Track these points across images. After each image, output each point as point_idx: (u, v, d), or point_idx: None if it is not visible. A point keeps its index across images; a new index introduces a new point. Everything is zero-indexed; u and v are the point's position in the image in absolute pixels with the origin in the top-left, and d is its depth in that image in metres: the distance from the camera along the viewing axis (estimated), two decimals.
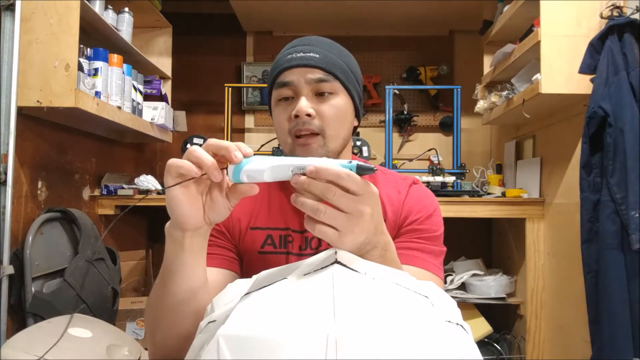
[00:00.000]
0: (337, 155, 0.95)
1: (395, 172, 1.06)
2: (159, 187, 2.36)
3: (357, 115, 1.00)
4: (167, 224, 0.71)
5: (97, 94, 1.88)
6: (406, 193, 0.99)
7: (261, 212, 0.99)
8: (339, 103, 0.93)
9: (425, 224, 0.96)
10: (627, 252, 1.49)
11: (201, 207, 0.68)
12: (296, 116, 0.90)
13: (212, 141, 0.66)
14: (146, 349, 1.78)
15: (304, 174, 0.62)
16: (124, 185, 2.30)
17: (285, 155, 0.94)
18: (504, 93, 2.17)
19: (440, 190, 2.34)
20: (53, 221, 1.84)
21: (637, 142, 1.49)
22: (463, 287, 2.37)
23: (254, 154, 0.67)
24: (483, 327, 2.31)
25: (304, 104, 0.89)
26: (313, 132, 0.90)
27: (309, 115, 0.89)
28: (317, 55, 0.91)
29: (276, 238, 0.97)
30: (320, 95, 0.92)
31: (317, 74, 0.90)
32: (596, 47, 1.63)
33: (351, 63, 0.97)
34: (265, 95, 3.06)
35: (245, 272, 0.97)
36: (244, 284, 0.63)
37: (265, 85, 3.01)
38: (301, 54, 0.91)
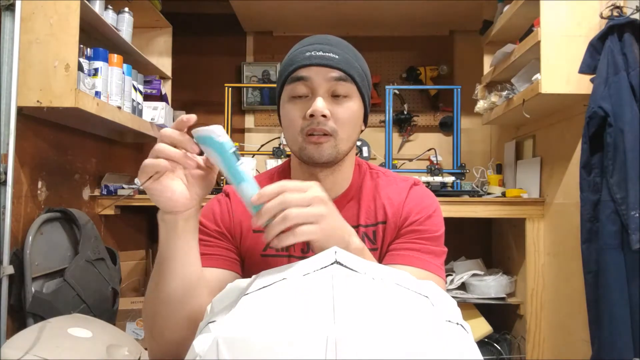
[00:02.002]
0: (344, 156, 0.95)
1: (396, 174, 1.05)
2: None
3: (365, 120, 1.00)
4: (159, 212, 0.74)
5: (97, 94, 1.88)
6: (406, 194, 0.99)
7: None
8: (353, 107, 0.92)
9: (425, 224, 0.96)
10: (627, 252, 1.49)
11: (185, 189, 0.73)
12: (311, 115, 0.89)
13: (166, 133, 0.71)
14: (146, 349, 1.78)
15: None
16: (124, 185, 2.30)
17: (291, 154, 0.96)
18: (504, 93, 2.16)
19: (440, 190, 2.34)
20: (53, 221, 1.84)
21: (637, 142, 1.49)
22: (463, 287, 2.37)
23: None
24: (483, 327, 2.31)
25: (321, 105, 0.88)
26: (326, 133, 0.90)
27: (324, 116, 0.89)
28: (337, 56, 0.90)
29: None
30: (335, 96, 0.91)
31: (336, 73, 0.90)
32: (596, 47, 1.63)
33: (365, 67, 0.97)
34: (266, 95, 3.06)
35: (246, 274, 0.97)
36: (244, 284, 0.63)
37: (266, 85, 3.01)
38: (320, 53, 0.90)
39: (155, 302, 0.78)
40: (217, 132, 0.70)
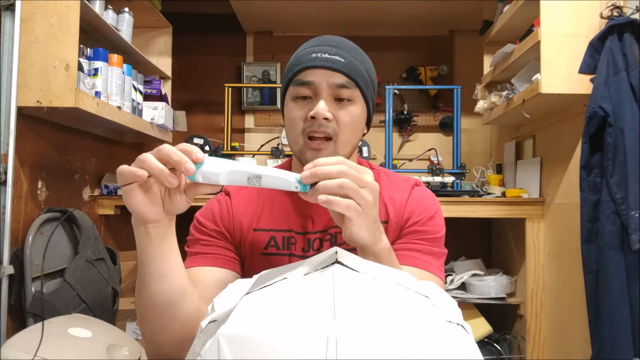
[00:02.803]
0: None
1: (397, 174, 1.05)
2: None
3: (368, 123, 0.99)
4: (132, 217, 0.73)
5: (97, 94, 1.88)
6: (408, 195, 0.99)
7: (264, 214, 0.99)
8: (356, 111, 0.92)
9: (426, 225, 0.96)
10: (627, 252, 1.49)
11: (159, 203, 0.71)
12: (312, 117, 0.88)
13: (164, 149, 0.67)
14: None
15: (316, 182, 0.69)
16: None
17: (295, 153, 0.95)
18: (504, 93, 2.17)
19: (440, 190, 2.34)
20: (53, 221, 1.84)
21: (637, 142, 1.49)
22: (463, 287, 2.37)
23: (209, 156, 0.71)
24: (483, 327, 2.31)
25: (323, 107, 0.88)
26: (327, 136, 0.90)
27: (326, 118, 0.88)
28: (342, 60, 0.90)
29: (279, 240, 0.97)
30: (338, 100, 0.91)
31: (340, 79, 0.89)
32: (596, 47, 1.63)
33: (371, 71, 0.96)
34: (266, 95, 3.06)
35: (247, 273, 0.97)
36: (245, 283, 0.63)
37: (266, 85, 3.01)
38: (326, 55, 0.89)
39: (141, 306, 0.78)
40: (216, 172, 0.68)
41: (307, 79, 0.90)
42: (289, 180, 0.70)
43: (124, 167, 0.67)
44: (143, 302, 0.77)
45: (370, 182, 0.71)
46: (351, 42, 0.96)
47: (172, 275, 0.76)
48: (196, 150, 0.68)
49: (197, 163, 0.68)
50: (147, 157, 0.67)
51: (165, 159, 0.67)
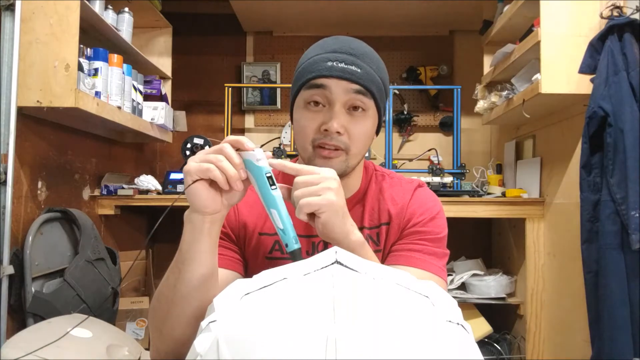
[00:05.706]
0: (352, 170, 0.94)
1: (401, 176, 1.05)
2: (159, 187, 2.36)
3: (377, 129, 0.98)
4: (187, 212, 0.77)
5: (97, 94, 1.88)
6: (410, 196, 0.99)
7: (269, 217, 0.98)
8: (368, 123, 0.91)
9: (428, 226, 0.96)
10: (627, 252, 1.49)
11: (219, 194, 0.77)
12: (325, 130, 0.88)
13: (227, 144, 0.76)
14: (146, 349, 1.78)
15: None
16: (124, 185, 2.30)
17: (303, 158, 0.96)
18: (504, 93, 2.17)
19: (440, 190, 2.34)
20: (53, 221, 1.84)
21: (637, 142, 1.49)
22: (463, 287, 2.37)
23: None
24: (483, 327, 2.31)
25: (336, 123, 0.87)
26: (338, 148, 0.89)
27: (338, 132, 0.88)
28: (359, 70, 0.88)
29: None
30: (351, 111, 0.90)
31: (355, 87, 0.88)
32: (596, 47, 1.63)
33: (385, 78, 0.95)
34: (266, 95, 3.06)
35: (249, 276, 0.97)
36: (245, 283, 0.63)
37: (266, 85, 3.01)
38: (342, 65, 0.88)
39: (171, 301, 0.79)
40: (258, 156, 0.75)
41: (322, 82, 0.88)
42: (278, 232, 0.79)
43: (206, 165, 0.73)
44: (176, 297, 0.79)
45: (323, 176, 0.77)
46: (367, 46, 0.95)
47: (211, 274, 0.80)
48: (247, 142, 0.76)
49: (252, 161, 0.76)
50: (224, 160, 0.74)
51: (232, 163, 0.75)
